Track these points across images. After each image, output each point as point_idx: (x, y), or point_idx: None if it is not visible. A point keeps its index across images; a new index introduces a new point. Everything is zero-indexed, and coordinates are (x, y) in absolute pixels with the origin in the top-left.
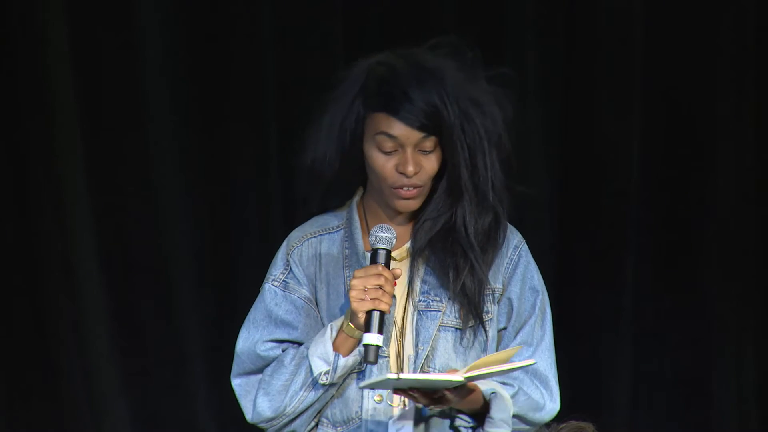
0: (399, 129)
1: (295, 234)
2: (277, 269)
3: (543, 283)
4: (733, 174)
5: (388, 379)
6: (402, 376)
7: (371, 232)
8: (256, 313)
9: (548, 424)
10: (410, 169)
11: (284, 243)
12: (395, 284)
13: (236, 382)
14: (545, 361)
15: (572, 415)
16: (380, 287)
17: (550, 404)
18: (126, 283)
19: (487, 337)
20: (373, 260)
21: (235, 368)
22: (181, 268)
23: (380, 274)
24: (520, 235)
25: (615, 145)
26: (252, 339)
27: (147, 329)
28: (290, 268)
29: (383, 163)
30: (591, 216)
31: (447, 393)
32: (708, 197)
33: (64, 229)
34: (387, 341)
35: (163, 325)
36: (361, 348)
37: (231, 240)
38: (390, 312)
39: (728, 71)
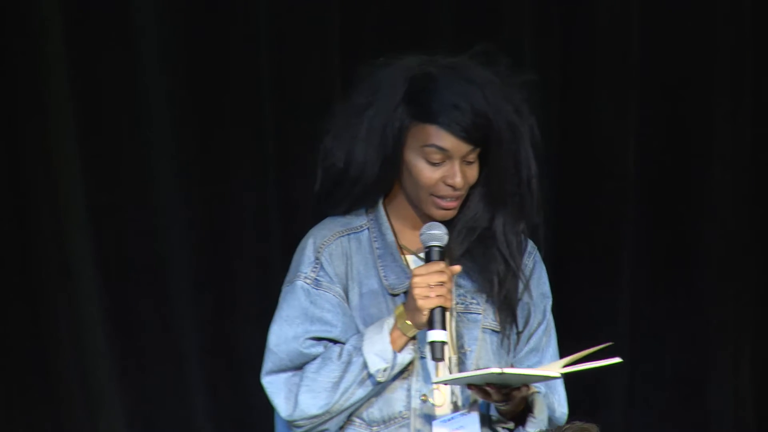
0: (450, 142)
1: (321, 232)
2: (306, 267)
3: (550, 290)
4: (731, 174)
5: (492, 373)
6: (505, 371)
7: (423, 230)
8: (289, 311)
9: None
10: (459, 181)
11: (309, 241)
12: (452, 281)
13: (268, 380)
14: (554, 365)
15: (576, 417)
16: (443, 284)
17: (559, 408)
18: (122, 282)
19: (518, 340)
20: (428, 258)
21: (268, 365)
22: (177, 268)
23: (442, 271)
24: (531, 242)
25: (612, 144)
26: (287, 336)
27: (143, 329)
28: (321, 266)
29: (429, 174)
30: (588, 216)
31: (515, 391)
32: (706, 197)
33: (60, 229)
34: (424, 344)
35: (159, 325)
36: (413, 345)
37: (228, 240)
38: (450, 308)
39: (725, 70)
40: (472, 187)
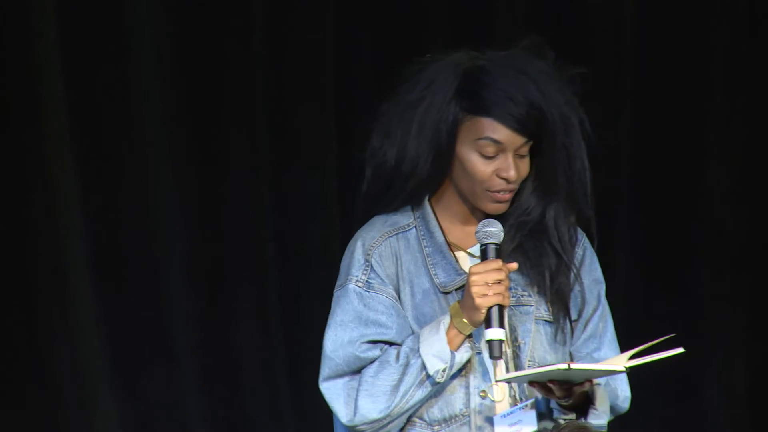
0: (504, 134)
1: (370, 234)
2: (356, 270)
3: (602, 275)
4: (725, 173)
5: (559, 369)
6: (573, 366)
7: (479, 227)
8: (343, 315)
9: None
10: (513, 174)
11: (357, 244)
12: (509, 278)
13: (326, 385)
14: (613, 351)
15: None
16: (500, 282)
17: (622, 392)
18: (117, 283)
19: (572, 331)
20: (485, 255)
21: (325, 371)
22: (171, 269)
23: (500, 269)
24: (579, 229)
25: (606, 143)
26: (342, 340)
27: (138, 329)
28: (372, 268)
29: (483, 168)
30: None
31: (577, 386)
32: (700, 197)
33: (54, 229)
34: (479, 338)
35: (153, 325)
36: (469, 343)
37: (222, 240)
38: (509, 306)
39: (720, 69)
40: (524, 181)
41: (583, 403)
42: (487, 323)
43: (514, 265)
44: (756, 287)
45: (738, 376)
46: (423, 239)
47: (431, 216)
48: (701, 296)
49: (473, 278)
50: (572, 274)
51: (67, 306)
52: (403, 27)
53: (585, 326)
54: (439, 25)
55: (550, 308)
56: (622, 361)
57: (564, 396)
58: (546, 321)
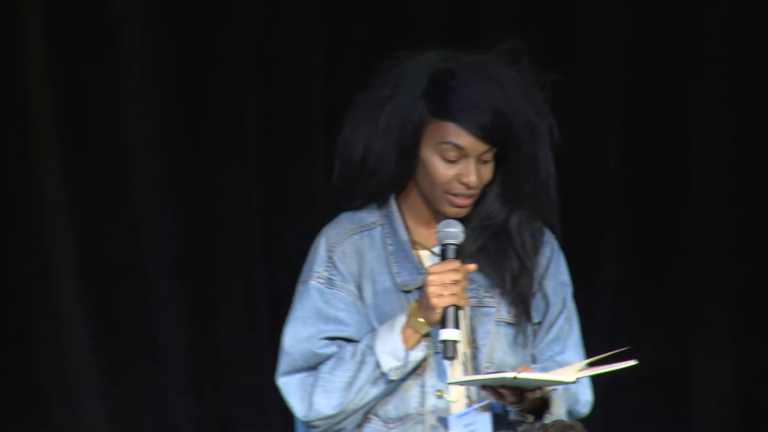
0: (467, 141)
1: (333, 231)
2: (319, 266)
3: (570, 278)
4: (714, 173)
5: (505, 378)
6: (519, 376)
7: (439, 227)
8: (303, 311)
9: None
10: (473, 180)
11: (321, 240)
12: (466, 279)
13: (284, 380)
14: (576, 355)
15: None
16: (457, 282)
17: (584, 397)
18: (103, 281)
19: (534, 335)
20: (444, 256)
21: (283, 366)
22: (158, 268)
23: (457, 270)
24: (548, 231)
25: (594, 143)
26: (300, 336)
27: (124, 328)
28: (334, 265)
29: (444, 172)
30: (570, 215)
31: (529, 393)
32: (688, 196)
33: (41, 228)
34: (437, 338)
35: (140, 324)
36: (425, 343)
37: (209, 239)
38: (465, 307)
39: (708, 68)
40: (488, 186)
41: (539, 407)
42: (443, 323)
43: (473, 267)
44: (744, 286)
45: (726, 375)
46: (387, 237)
47: (396, 215)
48: (689, 295)
49: (430, 278)
50: (534, 281)
51: (54, 305)
52: (393, 26)
53: (549, 329)
54: (429, 23)
55: (512, 310)
56: (572, 372)
57: (516, 402)
58: (507, 323)
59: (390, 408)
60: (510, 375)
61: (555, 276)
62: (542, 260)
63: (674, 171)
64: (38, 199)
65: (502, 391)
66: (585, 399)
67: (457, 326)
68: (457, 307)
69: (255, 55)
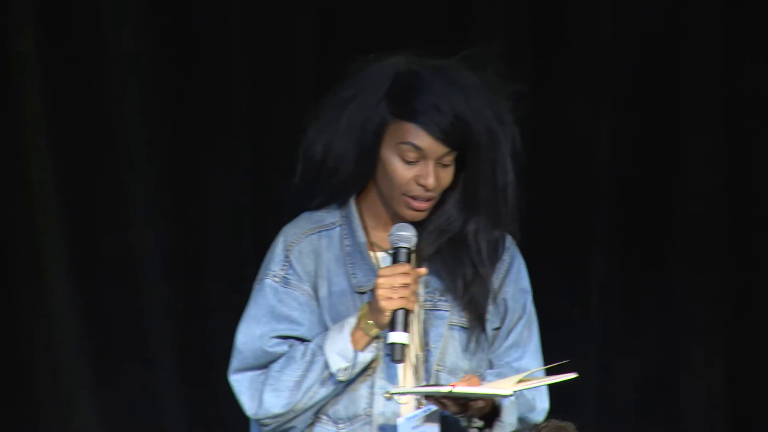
0: (426, 141)
1: (291, 230)
2: (275, 265)
3: (530, 284)
4: (704, 173)
5: (440, 392)
6: (455, 389)
7: (392, 230)
8: (257, 309)
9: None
10: (431, 182)
11: (280, 239)
12: (418, 283)
13: (235, 378)
14: (534, 362)
15: (553, 415)
16: (407, 286)
17: (541, 404)
18: (95, 281)
19: (488, 341)
20: (396, 259)
21: (234, 363)
22: (150, 268)
23: (407, 273)
24: (510, 237)
25: (584, 144)
26: (253, 334)
27: (115, 328)
28: (291, 264)
29: (403, 173)
30: (560, 215)
31: (479, 402)
32: (678, 196)
33: (32, 228)
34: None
35: (131, 324)
36: (376, 344)
37: (200, 239)
38: (414, 311)
39: (698, 68)
40: (448, 191)
41: (490, 414)
42: (392, 326)
43: (423, 271)
44: (735, 286)
45: (716, 375)
46: (345, 238)
47: (355, 215)
48: (680, 295)
49: (380, 281)
50: (487, 289)
51: (45, 305)
52: (384, 27)
53: (507, 335)
54: (420, 24)
55: (466, 315)
56: (509, 385)
57: (459, 411)
58: (461, 327)
59: (340, 408)
60: (445, 389)
61: (515, 282)
62: (501, 266)
63: (666, 171)
64: (30, 199)
65: (444, 401)
66: (541, 406)
67: (405, 329)
68: (407, 311)
69: (246, 56)
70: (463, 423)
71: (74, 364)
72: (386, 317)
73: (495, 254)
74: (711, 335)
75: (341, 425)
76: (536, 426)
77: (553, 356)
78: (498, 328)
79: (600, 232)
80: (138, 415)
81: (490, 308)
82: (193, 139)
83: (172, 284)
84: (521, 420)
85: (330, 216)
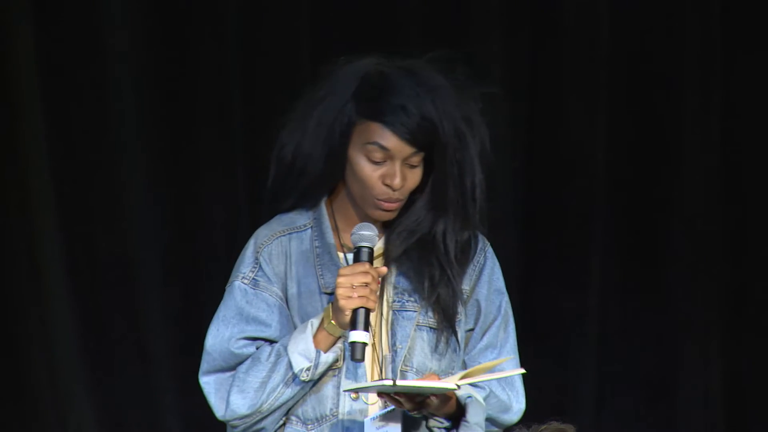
0: (392, 142)
1: (263, 232)
2: (245, 267)
3: (505, 285)
4: (700, 174)
5: (384, 385)
6: (398, 383)
7: (354, 230)
8: (226, 311)
9: (528, 426)
10: (397, 182)
11: (251, 241)
12: (379, 282)
13: (205, 380)
14: (512, 361)
15: (553, 417)
16: (367, 285)
17: (516, 405)
18: (92, 283)
19: (458, 342)
20: (357, 258)
21: (204, 365)
22: (147, 269)
23: (367, 272)
24: (484, 238)
25: (581, 144)
26: (222, 336)
27: (113, 330)
28: (260, 266)
29: (369, 173)
30: (557, 216)
31: (432, 398)
32: (674, 197)
33: (30, 229)
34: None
35: (129, 325)
36: (340, 344)
37: (197, 239)
38: (375, 310)
39: (694, 70)
40: (418, 193)
41: (455, 415)
42: (352, 325)
43: (384, 270)
44: (732, 288)
45: (715, 375)
46: (315, 240)
47: (325, 217)
48: (677, 296)
49: (339, 280)
50: (455, 290)
51: (43, 307)
52: (379, 26)
53: (482, 336)
54: (415, 23)
55: (435, 316)
56: (455, 379)
57: (414, 408)
58: (430, 328)
59: (308, 409)
60: (388, 383)
61: (488, 283)
62: (474, 268)
63: (660, 172)
64: (27, 201)
65: (398, 397)
66: (518, 407)
67: (366, 328)
68: (367, 310)
69: (241, 55)
70: (430, 423)
71: (72, 365)
72: (346, 316)
73: (464, 255)
74: (709, 335)
75: (310, 426)
76: (537, 427)
77: (553, 356)
78: (471, 330)
79: (599, 233)
80: (136, 416)
81: (463, 309)
82: (190, 139)
83: (170, 284)
84: (493, 421)
85: (302, 218)
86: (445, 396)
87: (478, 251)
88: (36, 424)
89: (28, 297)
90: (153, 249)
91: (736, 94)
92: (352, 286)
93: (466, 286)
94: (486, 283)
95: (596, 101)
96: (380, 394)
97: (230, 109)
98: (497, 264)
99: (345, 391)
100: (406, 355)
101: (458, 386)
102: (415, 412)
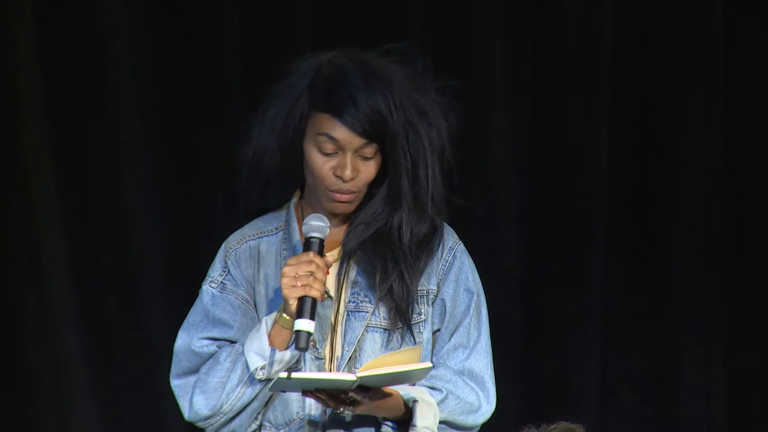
0: (341, 132)
1: (233, 237)
2: (215, 271)
3: (480, 285)
4: (702, 173)
5: (280, 378)
6: (293, 375)
7: (305, 221)
8: (194, 315)
9: (538, 425)
10: (347, 173)
11: (222, 246)
12: (327, 272)
13: (175, 383)
14: (481, 362)
15: (562, 416)
16: (311, 274)
17: (486, 406)
18: (94, 283)
19: (414, 340)
20: (306, 249)
21: (173, 369)
22: (148, 269)
23: (311, 261)
24: (456, 237)
25: (583, 144)
26: (189, 339)
27: (115, 329)
28: (228, 270)
29: (321, 164)
30: (559, 216)
31: (356, 397)
32: (676, 196)
33: (32, 229)
34: (322, 342)
35: (131, 325)
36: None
37: (198, 240)
38: (323, 299)
39: (696, 70)
40: (377, 186)
41: (404, 419)
42: (298, 314)
43: (330, 259)
44: (734, 287)
45: (716, 375)
46: (284, 242)
47: (293, 217)
48: (679, 296)
49: (284, 270)
50: (408, 284)
51: (45, 307)
52: (380, 22)
53: (450, 336)
54: (415, 22)
55: (390, 315)
56: (359, 371)
57: (338, 406)
58: (382, 328)
59: (278, 413)
60: (283, 375)
61: (455, 282)
62: (440, 266)
63: (662, 173)
64: (29, 201)
65: (320, 395)
66: (487, 408)
67: (312, 317)
68: (313, 299)
69: (243, 55)
70: (381, 429)
71: (74, 365)
72: (292, 306)
73: (422, 249)
74: (711, 335)
75: (282, 430)
76: (546, 427)
77: (554, 356)
78: (438, 330)
79: (601, 233)
80: (139, 416)
81: (429, 309)
82: (193, 140)
83: (171, 286)
84: (453, 423)
85: (275, 220)
86: (379, 395)
87: (447, 249)
88: (39, 424)
89: (31, 297)
90: (155, 249)
91: (737, 95)
92: (296, 275)
93: (433, 286)
94: (453, 282)
95: (598, 102)
96: (305, 393)
97: (233, 109)
98: (468, 263)
99: (269, 390)
100: (355, 357)
101: (357, 378)
102: (345, 412)
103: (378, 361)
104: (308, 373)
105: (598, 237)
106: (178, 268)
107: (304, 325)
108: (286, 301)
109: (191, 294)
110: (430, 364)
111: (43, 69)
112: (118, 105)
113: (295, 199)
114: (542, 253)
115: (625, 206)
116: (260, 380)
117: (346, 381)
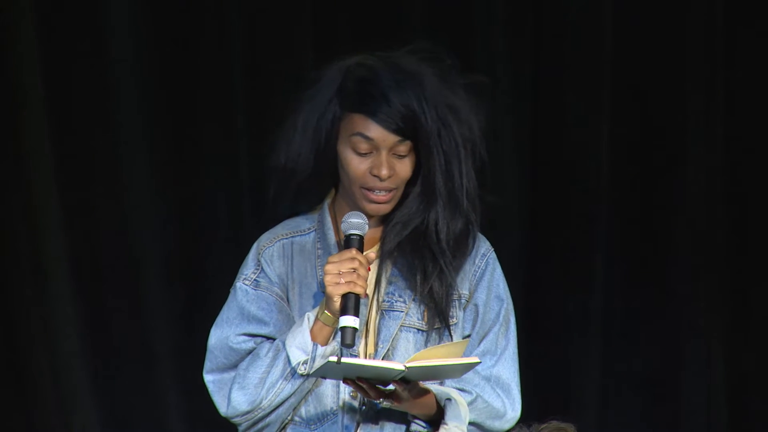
0: (375, 131)
1: (266, 236)
2: (248, 269)
3: (509, 293)
4: (703, 174)
5: (329, 362)
6: (343, 360)
7: (344, 218)
8: (228, 312)
9: (529, 425)
10: (384, 172)
11: (255, 245)
12: (369, 269)
13: (209, 378)
14: (508, 370)
15: (553, 416)
16: (354, 270)
17: (511, 413)
18: (95, 282)
19: (453, 340)
20: (347, 246)
21: (207, 364)
22: (150, 268)
23: (354, 258)
24: (488, 244)
25: (584, 145)
26: (224, 335)
27: (116, 328)
28: (262, 268)
29: (357, 165)
30: (561, 217)
31: (397, 388)
32: (677, 197)
33: (33, 229)
34: (358, 339)
35: (132, 325)
36: (339, 339)
37: (200, 239)
38: (366, 296)
39: (697, 70)
40: (411, 185)
41: (435, 418)
42: (342, 311)
43: (372, 255)
44: (734, 287)
45: (717, 377)
46: (318, 242)
47: (327, 218)
48: (680, 296)
49: (327, 267)
50: (449, 282)
51: (46, 307)
52: (379, 25)
53: (479, 342)
54: (417, 23)
55: (425, 314)
56: (404, 361)
57: (378, 397)
58: (417, 329)
59: (310, 408)
60: (333, 359)
61: (487, 289)
62: (475, 272)
63: (663, 173)
64: (30, 200)
65: (361, 383)
66: (512, 415)
67: (356, 314)
68: (357, 296)
69: (244, 55)
70: (412, 428)
71: (75, 365)
72: (336, 303)
73: (459, 247)
74: (712, 335)
75: (313, 426)
76: (537, 426)
77: (557, 357)
78: (469, 336)
79: (602, 233)
80: (140, 416)
81: (461, 314)
82: (194, 139)
83: (173, 285)
84: (481, 426)
85: (308, 221)
86: (417, 391)
87: (480, 255)
88: (39, 424)
89: (31, 297)
90: (156, 248)
91: (738, 95)
92: (339, 272)
93: (465, 291)
94: (485, 288)
95: (599, 102)
96: (346, 381)
97: (233, 109)
98: (499, 271)
99: (309, 375)
100: (388, 355)
101: (405, 367)
102: (384, 403)
103: (426, 353)
104: (358, 359)
105: (599, 237)
106: (178, 268)
107: (350, 321)
108: (329, 298)
109: (191, 294)
110: (477, 359)
111: (43, 69)
112: (118, 105)
113: (328, 200)
114: (543, 253)
115: (626, 206)
116: (302, 375)
117: (394, 369)
